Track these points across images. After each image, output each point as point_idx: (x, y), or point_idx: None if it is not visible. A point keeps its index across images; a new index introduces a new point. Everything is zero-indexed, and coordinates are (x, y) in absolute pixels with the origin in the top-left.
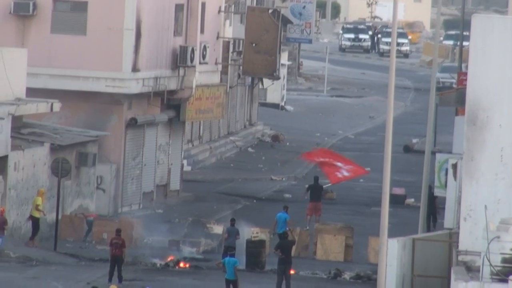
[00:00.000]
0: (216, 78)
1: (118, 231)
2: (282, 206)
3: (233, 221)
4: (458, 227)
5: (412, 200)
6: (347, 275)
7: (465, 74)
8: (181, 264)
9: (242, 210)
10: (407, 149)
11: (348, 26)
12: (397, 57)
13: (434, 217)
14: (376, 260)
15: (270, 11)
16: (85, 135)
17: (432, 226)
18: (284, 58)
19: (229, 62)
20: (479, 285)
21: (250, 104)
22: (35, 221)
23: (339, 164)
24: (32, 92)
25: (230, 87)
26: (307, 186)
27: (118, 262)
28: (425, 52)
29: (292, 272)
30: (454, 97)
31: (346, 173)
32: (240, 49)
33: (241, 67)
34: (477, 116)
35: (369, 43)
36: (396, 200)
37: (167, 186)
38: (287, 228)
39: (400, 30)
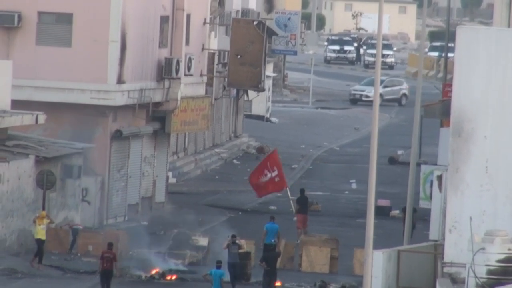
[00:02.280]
0: (201, 90)
1: (110, 245)
2: (269, 217)
3: (234, 238)
4: (443, 239)
5: (397, 211)
6: (332, 287)
7: (450, 85)
8: (167, 277)
9: (227, 222)
10: (392, 160)
11: (333, 37)
12: (382, 68)
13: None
14: (361, 272)
15: (255, 22)
16: (70, 147)
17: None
18: (269, 70)
19: (214, 74)
20: None
21: (235, 116)
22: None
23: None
24: (17, 104)
25: (215, 99)
26: (295, 198)
27: (108, 276)
28: (410, 64)
29: (277, 284)
30: (439, 109)
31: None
32: (225, 60)
33: (226, 79)
34: (462, 127)
35: (354, 55)
36: (381, 212)
37: (152, 198)
38: (274, 240)
39: (385, 42)
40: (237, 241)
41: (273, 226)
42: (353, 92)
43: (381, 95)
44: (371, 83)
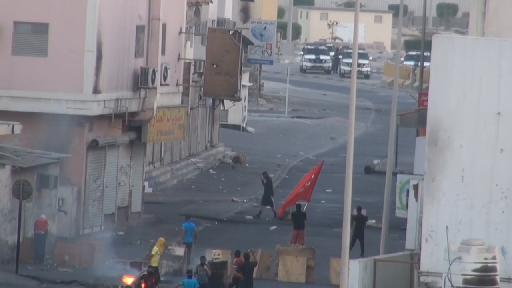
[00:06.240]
0: (177, 100)
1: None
2: (185, 217)
3: (203, 259)
4: (420, 248)
5: (374, 221)
6: None
7: (426, 94)
8: (143, 286)
9: (204, 231)
10: (368, 170)
11: (309, 47)
12: (358, 78)
13: (361, 243)
14: (337, 281)
15: (231, 32)
16: (47, 157)
17: (360, 254)
18: (245, 79)
19: (190, 83)
20: None
21: (211, 125)
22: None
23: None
24: None
25: (191, 109)
26: (291, 212)
27: None
28: (386, 73)
29: None
30: (415, 118)
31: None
32: (201, 70)
33: (202, 89)
34: (438, 136)
35: (330, 64)
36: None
37: (128, 208)
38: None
39: (361, 51)
40: (206, 263)
41: (189, 224)
42: None
43: None
44: None
